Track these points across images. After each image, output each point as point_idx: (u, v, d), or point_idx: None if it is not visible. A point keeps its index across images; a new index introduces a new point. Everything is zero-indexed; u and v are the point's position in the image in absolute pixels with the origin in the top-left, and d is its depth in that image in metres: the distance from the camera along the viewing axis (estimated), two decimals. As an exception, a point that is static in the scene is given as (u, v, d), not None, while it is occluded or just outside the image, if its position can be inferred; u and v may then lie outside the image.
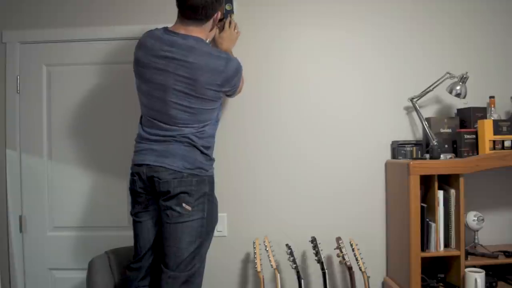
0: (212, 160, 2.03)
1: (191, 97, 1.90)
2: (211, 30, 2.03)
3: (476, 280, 2.08)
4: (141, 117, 2.03)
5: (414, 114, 2.43)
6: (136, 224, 2.01)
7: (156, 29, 1.97)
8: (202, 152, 1.95)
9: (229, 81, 1.96)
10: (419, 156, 2.35)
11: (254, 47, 2.48)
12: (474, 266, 2.18)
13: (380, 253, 2.47)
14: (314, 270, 2.43)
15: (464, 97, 2.29)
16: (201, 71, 1.87)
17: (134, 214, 2.02)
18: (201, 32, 1.95)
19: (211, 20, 1.96)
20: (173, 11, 1.95)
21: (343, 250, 2.19)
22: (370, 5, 2.48)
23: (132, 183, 1.99)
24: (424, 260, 2.16)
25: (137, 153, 1.99)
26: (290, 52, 2.48)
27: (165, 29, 1.95)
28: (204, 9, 1.86)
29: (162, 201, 1.91)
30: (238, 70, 1.99)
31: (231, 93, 2.06)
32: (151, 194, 1.96)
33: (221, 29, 2.28)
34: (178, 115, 1.91)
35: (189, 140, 1.92)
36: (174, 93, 1.89)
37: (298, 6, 2.48)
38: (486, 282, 2.13)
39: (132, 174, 1.99)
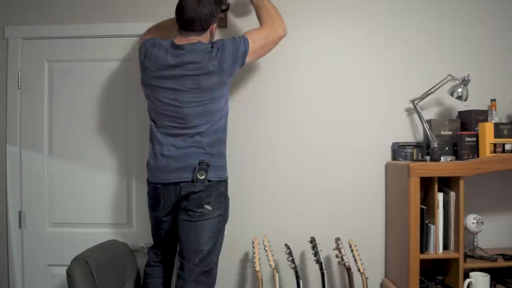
0: (225, 157, 2.10)
1: (199, 91, 1.97)
2: (210, 40, 2.08)
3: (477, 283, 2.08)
4: (154, 122, 2.09)
5: (415, 115, 2.43)
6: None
7: (163, 40, 2.06)
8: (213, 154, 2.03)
9: (224, 47, 1.98)
10: (420, 158, 2.35)
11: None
12: (473, 269, 2.18)
13: (379, 254, 2.47)
14: (312, 271, 2.43)
15: (466, 100, 2.29)
16: (199, 64, 1.95)
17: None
18: (202, 39, 2.03)
19: (208, 32, 2.05)
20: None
21: (342, 251, 2.19)
22: (373, 10, 2.48)
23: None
24: (423, 262, 2.16)
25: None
26: (298, 54, 2.48)
27: (172, 42, 2.02)
28: (199, 21, 1.97)
29: (183, 202, 2.00)
30: (224, 40, 2.03)
31: (247, 53, 2.04)
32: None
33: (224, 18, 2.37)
34: (191, 112, 1.97)
35: (202, 144, 2.00)
36: (185, 92, 1.97)
37: (308, 8, 2.48)
38: (485, 285, 2.13)
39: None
